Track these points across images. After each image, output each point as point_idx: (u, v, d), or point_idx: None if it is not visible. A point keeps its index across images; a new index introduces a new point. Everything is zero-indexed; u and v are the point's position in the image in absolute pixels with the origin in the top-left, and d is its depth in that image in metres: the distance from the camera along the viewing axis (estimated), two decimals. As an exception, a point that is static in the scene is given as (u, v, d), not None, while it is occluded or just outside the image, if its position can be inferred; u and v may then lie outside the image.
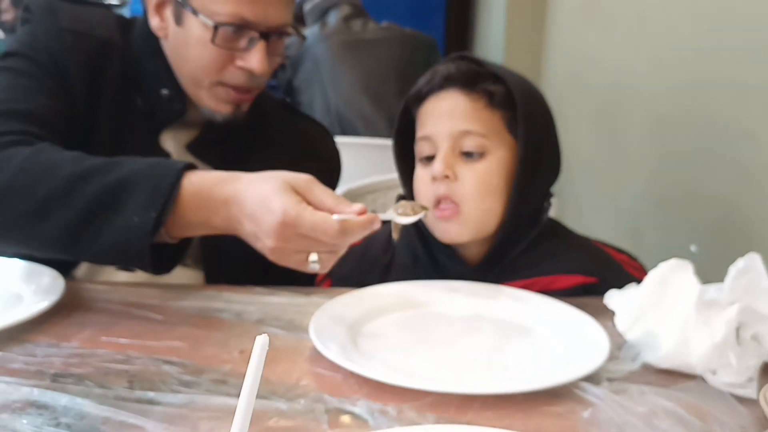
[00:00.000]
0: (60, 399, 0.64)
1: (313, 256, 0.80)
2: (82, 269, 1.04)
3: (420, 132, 0.98)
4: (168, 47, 1.04)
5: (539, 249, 0.97)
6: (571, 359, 0.72)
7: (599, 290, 0.83)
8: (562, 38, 2.36)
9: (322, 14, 2.50)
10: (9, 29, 4.74)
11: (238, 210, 0.81)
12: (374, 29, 2.49)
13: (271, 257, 0.82)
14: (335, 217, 0.77)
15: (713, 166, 1.22)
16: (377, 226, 0.81)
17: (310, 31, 2.50)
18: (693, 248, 1.24)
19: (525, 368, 0.73)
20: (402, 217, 0.85)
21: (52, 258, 0.89)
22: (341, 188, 1.51)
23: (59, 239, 0.82)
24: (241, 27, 0.96)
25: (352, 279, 1.00)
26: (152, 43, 1.04)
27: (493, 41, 2.83)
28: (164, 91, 1.03)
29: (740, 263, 0.74)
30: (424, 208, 0.87)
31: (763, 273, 0.74)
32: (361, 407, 0.63)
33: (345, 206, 0.79)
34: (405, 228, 0.97)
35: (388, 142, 2.24)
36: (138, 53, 1.05)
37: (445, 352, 0.77)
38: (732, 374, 0.69)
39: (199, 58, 0.98)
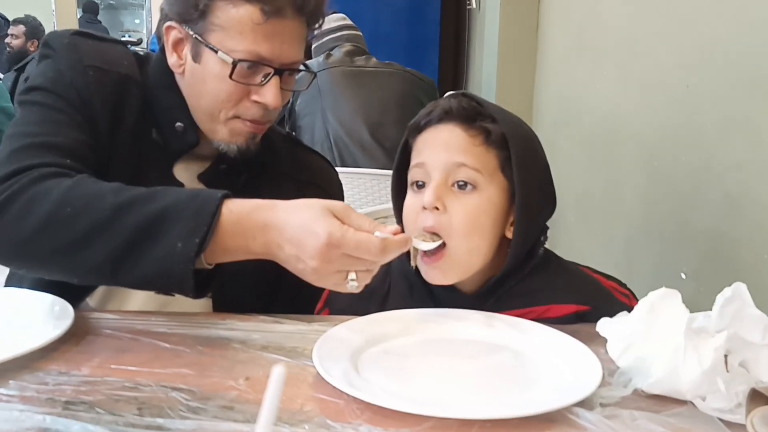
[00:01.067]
0: (72, 426, 0.66)
1: (352, 275, 0.84)
2: (96, 297, 1.06)
3: (415, 159, 1.00)
4: (184, 83, 1.08)
5: (534, 279, 0.99)
6: (565, 385, 0.75)
7: (591, 318, 0.86)
8: (553, 73, 2.42)
9: (328, 50, 2.58)
10: (14, 56, 4.77)
11: (278, 235, 0.85)
12: (377, 63, 2.56)
13: (312, 278, 0.85)
14: (378, 234, 0.81)
15: (702, 197, 1.26)
16: (410, 245, 0.86)
17: (315, 60, 2.57)
18: (683, 275, 1.28)
19: (521, 394, 0.75)
20: (424, 242, 0.89)
21: (68, 285, 0.92)
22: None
23: (102, 266, 0.85)
24: (257, 63, 1.01)
25: (350, 309, 1.02)
26: (167, 78, 1.09)
27: (486, 76, 2.89)
28: (178, 124, 1.08)
29: (727, 292, 0.78)
30: (439, 236, 0.91)
31: (749, 302, 0.77)
32: (363, 432, 0.66)
33: (381, 227, 0.84)
34: (400, 259, 0.98)
35: (386, 173, 2.29)
36: (154, 88, 1.09)
37: (444, 378, 0.80)
38: (721, 400, 0.71)
39: (217, 92, 1.03)
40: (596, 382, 0.74)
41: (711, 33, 1.24)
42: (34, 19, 4.98)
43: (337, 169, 2.36)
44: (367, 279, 0.86)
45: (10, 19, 5.48)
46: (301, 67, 1.08)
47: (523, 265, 0.99)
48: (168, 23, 1.05)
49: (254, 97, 1.03)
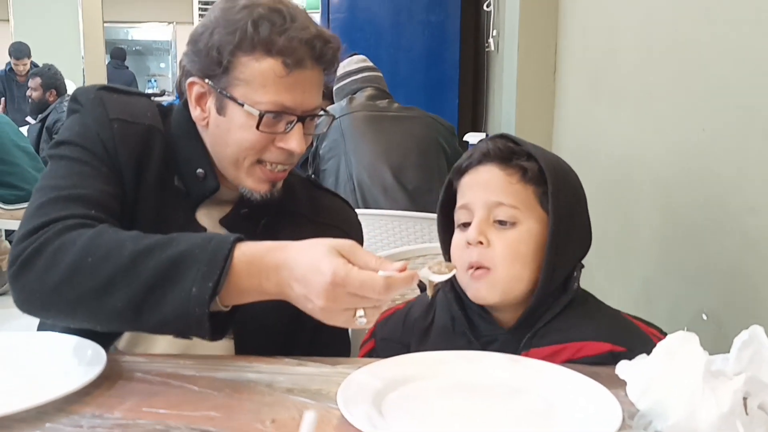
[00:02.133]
0: (107, 467, 0.69)
1: (360, 312, 0.86)
2: (123, 341, 1.10)
3: (460, 201, 1.07)
4: (208, 134, 1.12)
5: (570, 315, 1.02)
6: (586, 428, 0.76)
7: (627, 359, 0.87)
8: (571, 116, 2.45)
9: (350, 94, 2.65)
10: (36, 107, 4.93)
11: (289, 274, 0.88)
12: (398, 108, 2.62)
13: (321, 316, 0.88)
14: (381, 273, 0.84)
15: (720, 238, 1.27)
16: (416, 282, 0.88)
17: (338, 104, 2.63)
18: (704, 316, 1.28)
19: (542, 436, 0.77)
20: (436, 275, 0.92)
21: (96, 331, 0.95)
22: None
23: (124, 312, 0.89)
24: (281, 113, 1.05)
25: (394, 339, 1.10)
26: (188, 128, 1.13)
27: (505, 118, 2.93)
28: (199, 171, 1.12)
29: (744, 335, 0.79)
30: (454, 267, 0.94)
31: (767, 344, 0.78)
32: (387, 474, 0.68)
33: (387, 264, 0.86)
34: (445, 293, 1.08)
35: (408, 214, 2.31)
36: (176, 137, 1.13)
37: (465, 421, 0.82)
38: (740, 442, 0.72)
39: (242, 141, 1.07)
40: (617, 425, 0.75)
41: (725, 78, 1.27)
42: (50, 68, 5.12)
43: (359, 211, 2.40)
44: (376, 315, 0.89)
45: (40, 64, 5.65)
46: (322, 112, 1.12)
47: (558, 298, 1.03)
48: (191, 79, 1.09)
49: (279, 144, 1.07)
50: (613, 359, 0.93)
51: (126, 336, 1.10)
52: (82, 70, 7.78)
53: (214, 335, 0.90)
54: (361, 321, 0.86)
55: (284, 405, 0.84)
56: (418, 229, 2.22)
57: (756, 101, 1.15)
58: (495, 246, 1.01)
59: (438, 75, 4.08)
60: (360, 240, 1.28)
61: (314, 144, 2.66)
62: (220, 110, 1.08)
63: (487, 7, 3.60)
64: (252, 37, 1.03)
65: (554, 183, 1.00)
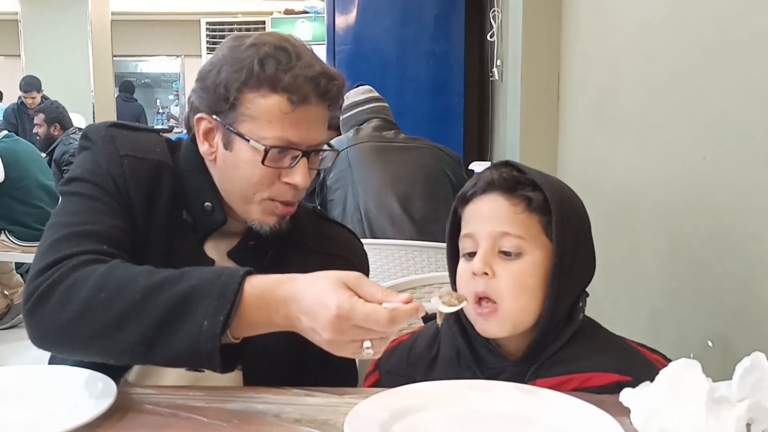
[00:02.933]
0: (118, 498, 0.70)
1: (367, 343, 0.88)
2: (133, 373, 1.11)
3: (464, 230, 1.06)
4: (216, 168, 1.14)
5: (576, 346, 1.03)
6: (591, 456, 0.77)
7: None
8: (574, 144, 2.47)
9: (355, 126, 2.68)
10: (43, 143, 5.02)
11: (297, 308, 0.90)
12: (405, 138, 2.65)
13: (328, 348, 0.90)
14: (385, 305, 0.86)
15: (723, 265, 1.28)
16: (422, 313, 0.89)
17: (345, 135, 2.66)
18: (710, 343, 1.29)
19: (547, 465, 0.77)
20: (445, 306, 0.93)
21: (107, 364, 0.97)
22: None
23: (136, 347, 0.91)
24: (287, 149, 1.08)
25: (400, 371, 1.11)
26: (196, 162, 1.16)
27: (510, 145, 2.96)
28: (207, 204, 1.14)
29: (746, 362, 0.80)
30: (465, 299, 0.95)
31: (769, 371, 0.79)
32: (394, 504, 0.68)
33: (393, 296, 0.88)
34: (449, 325, 1.07)
35: (414, 243, 2.33)
36: (184, 172, 1.16)
37: (471, 450, 0.82)
38: (745, 469, 0.73)
39: (249, 177, 1.09)
40: (621, 453, 0.75)
41: (724, 107, 1.29)
42: (53, 103, 5.23)
43: (366, 240, 2.42)
44: (384, 345, 0.90)
45: (52, 97, 5.76)
46: (327, 147, 1.15)
47: (563, 329, 1.03)
48: (199, 115, 1.12)
49: (285, 179, 1.10)
50: (619, 389, 0.94)
51: (135, 368, 1.11)
52: (92, 104, 7.90)
53: (225, 368, 0.92)
54: (368, 352, 0.88)
55: (292, 435, 0.85)
56: (424, 258, 2.24)
57: (755, 129, 1.17)
58: (501, 278, 1.00)
59: (443, 105, 4.12)
60: (366, 270, 1.29)
61: (321, 175, 2.69)
62: (227, 145, 1.10)
63: (491, 37, 3.65)
64: (258, 74, 1.06)
65: (559, 212, 1.01)
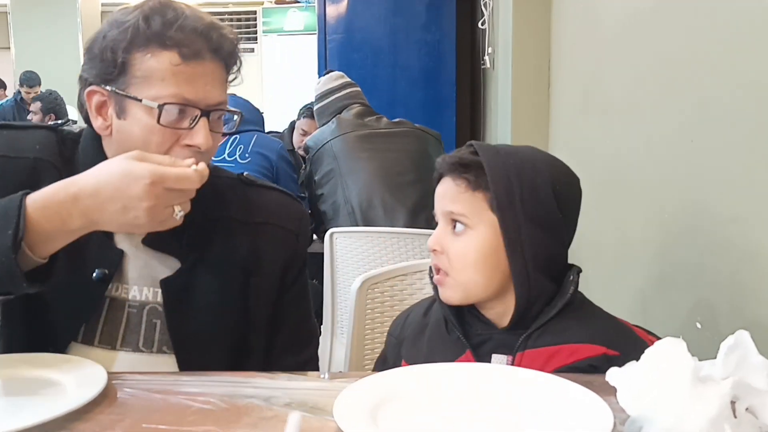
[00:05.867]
0: (107, 482, 0.70)
1: (177, 208, 0.96)
2: (123, 364, 1.12)
3: None
4: (112, 142, 1.10)
5: (567, 319, 1.04)
6: (578, 434, 0.77)
7: (621, 363, 0.87)
8: (564, 130, 2.48)
9: (334, 114, 2.66)
10: None
11: (94, 200, 0.93)
12: (387, 123, 2.64)
13: (146, 221, 0.94)
14: (193, 167, 0.95)
15: (712, 247, 1.28)
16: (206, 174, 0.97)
17: (327, 127, 2.65)
18: (698, 325, 1.29)
19: (534, 444, 0.78)
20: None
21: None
22: (360, 277, 1.59)
23: None
24: (183, 105, 1.05)
25: (395, 333, 1.20)
26: (94, 150, 1.11)
27: (502, 132, 2.96)
28: None
29: (730, 340, 0.80)
30: None
31: (753, 349, 0.79)
32: (382, 483, 0.69)
33: (179, 161, 0.96)
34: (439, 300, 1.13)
35: (406, 231, 2.33)
36: (82, 161, 1.11)
37: (461, 429, 0.83)
38: (729, 446, 0.73)
39: (146, 142, 1.04)
40: (608, 430, 0.76)
41: (710, 91, 1.29)
42: (51, 93, 5.25)
43: (359, 228, 2.43)
44: (188, 208, 0.98)
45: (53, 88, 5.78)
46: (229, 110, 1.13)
47: (554, 301, 1.05)
48: (89, 88, 1.07)
49: (185, 142, 1.06)
50: (608, 363, 0.95)
51: (126, 359, 1.12)
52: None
53: (32, 284, 0.95)
54: (179, 215, 0.95)
55: (282, 419, 0.85)
56: (417, 245, 2.24)
57: (741, 113, 1.17)
58: (449, 253, 1.07)
59: (435, 93, 4.12)
60: (306, 237, 1.25)
61: (308, 168, 2.68)
62: (120, 114, 1.06)
63: (482, 25, 3.64)
64: (144, 31, 1.03)
65: (500, 191, 1.04)
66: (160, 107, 1.03)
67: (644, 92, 1.62)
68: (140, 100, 1.04)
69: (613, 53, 1.87)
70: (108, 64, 1.05)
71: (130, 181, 0.91)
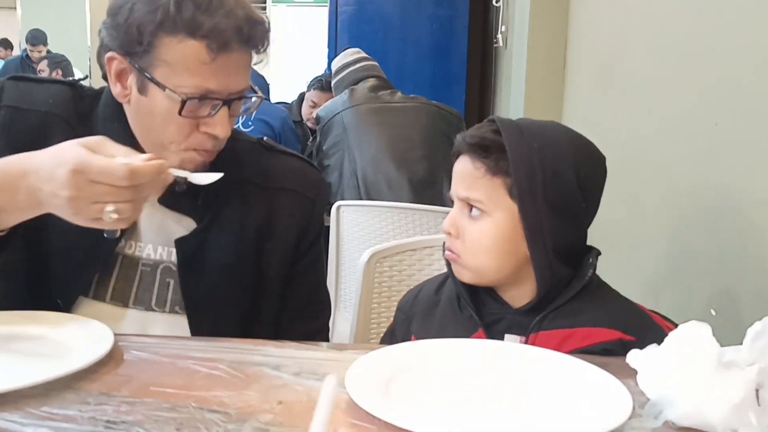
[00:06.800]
0: (114, 443, 0.69)
1: (109, 207, 0.87)
2: (131, 328, 1.10)
3: None
4: (130, 112, 1.08)
5: (583, 302, 1.02)
6: (596, 416, 0.75)
7: (637, 349, 0.86)
8: (580, 110, 2.44)
9: (350, 85, 2.63)
10: None
11: (36, 178, 0.88)
12: (402, 98, 2.60)
13: (69, 212, 0.88)
14: (119, 159, 0.86)
15: (731, 234, 1.26)
16: (170, 179, 0.91)
17: (340, 98, 2.62)
18: (713, 312, 1.28)
19: (552, 423, 0.76)
20: (196, 174, 0.94)
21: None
22: (369, 250, 1.57)
23: None
24: (205, 98, 1.02)
25: (405, 308, 1.17)
26: (113, 110, 1.09)
27: (513, 112, 2.92)
28: None
29: (757, 326, 0.78)
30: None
31: (780, 336, 0.77)
32: (396, 457, 0.67)
33: (135, 156, 0.87)
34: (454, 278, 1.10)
35: (412, 206, 2.31)
36: (101, 120, 1.10)
37: (475, 406, 0.81)
38: (752, 433, 0.72)
39: (166, 127, 1.03)
40: (626, 413, 0.74)
41: (737, 72, 1.26)
42: (57, 55, 5.41)
43: (366, 202, 2.40)
44: (128, 212, 0.88)
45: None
46: (251, 93, 1.09)
47: (571, 283, 1.02)
48: (109, 54, 1.04)
49: (203, 129, 1.04)
50: (623, 348, 0.93)
51: (134, 319, 1.11)
52: (88, 58, 7.79)
53: None
54: (111, 216, 0.87)
55: (292, 388, 0.84)
56: (424, 221, 2.22)
57: (759, 91, 1.14)
58: (463, 237, 1.03)
59: (445, 70, 4.07)
60: (322, 205, 1.23)
61: (317, 139, 2.65)
62: (142, 90, 1.04)
63: (496, 2, 3.59)
64: (174, 17, 0.98)
65: (522, 178, 1.00)
66: (184, 101, 1.00)
67: (668, 71, 1.59)
68: (164, 89, 1.01)
69: (636, 30, 1.83)
70: (133, 39, 1.01)
71: (56, 165, 0.86)
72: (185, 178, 0.94)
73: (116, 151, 0.88)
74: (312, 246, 1.21)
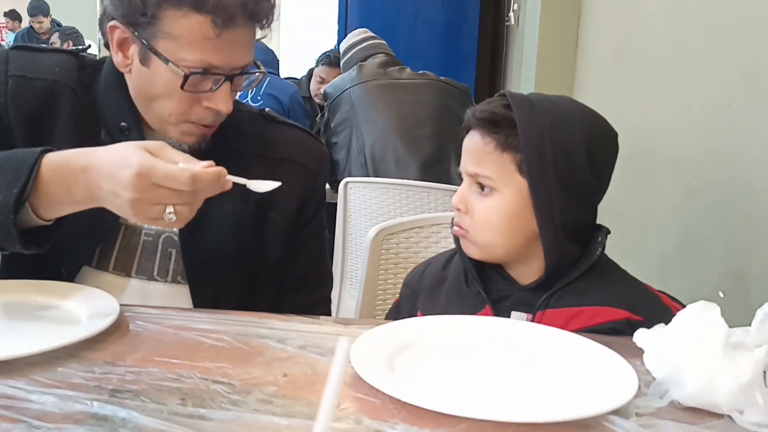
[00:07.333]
0: (118, 412, 0.69)
1: (169, 208, 0.88)
2: (133, 297, 1.10)
3: None
4: (131, 82, 1.08)
5: (591, 280, 1.01)
6: (601, 394, 0.75)
7: (644, 329, 0.85)
8: (592, 90, 2.41)
9: (359, 62, 2.61)
10: None
11: (96, 175, 0.88)
12: (410, 74, 2.58)
13: (130, 212, 0.88)
14: (181, 165, 0.87)
15: (742, 216, 1.25)
16: (228, 185, 0.91)
17: (348, 74, 2.60)
18: (721, 294, 1.27)
19: (556, 399, 0.76)
20: (254, 182, 0.93)
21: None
22: (376, 227, 1.56)
23: None
24: (208, 72, 1.01)
25: (411, 284, 1.16)
26: (115, 79, 1.09)
27: (524, 90, 2.89)
28: (122, 124, 1.09)
29: (766, 307, 0.77)
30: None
31: (789, 318, 0.77)
32: (399, 430, 0.67)
33: (195, 163, 0.88)
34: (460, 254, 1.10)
35: (419, 184, 2.30)
36: (102, 90, 1.10)
37: (479, 380, 0.81)
38: (759, 414, 0.71)
39: (167, 100, 1.03)
40: (632, 392, 0.74)
41: (755, 52, 1.24)
42: (68, 27, 5.58)
43: (374, 179, 2.39)
44: (186, 213, 0.89)
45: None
46: (254, 68, 1.08)
47: (579, 262, 1.02)
48: (112, 23, 1.03)
49: (205, 104, 1.04)
50: (630, 328, 0.93)
51: (136, 290, 1.11)
52: (97, 30, 7.76)
53: (29, 245, 0.92)
54: (170, 217, 0.88)
55: (296, 361, 0.84)
56: (432, 199, 2.21)
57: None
58: (472, 213, 1.03)
59: (456, 48, 4.04)
60: (319, 171, 1.22)
61: (326, 115, 2.64)
62: (144, 61, 1.03)
63: (509, -21, 3.54)
64: None
65: (533, 154, 0.98)
66: (187, 75, 1.00)
67: (683, 50, 1.56)
68: (167, 62, 1.00)
69: (651, 8, 1.80)
70: (136, 10, 1.00)
71: (120, 167, 0.86)
72: (244, 185, 0.94)
73: (176, 156, 0.89)
74: (313, 217, 1.21)
